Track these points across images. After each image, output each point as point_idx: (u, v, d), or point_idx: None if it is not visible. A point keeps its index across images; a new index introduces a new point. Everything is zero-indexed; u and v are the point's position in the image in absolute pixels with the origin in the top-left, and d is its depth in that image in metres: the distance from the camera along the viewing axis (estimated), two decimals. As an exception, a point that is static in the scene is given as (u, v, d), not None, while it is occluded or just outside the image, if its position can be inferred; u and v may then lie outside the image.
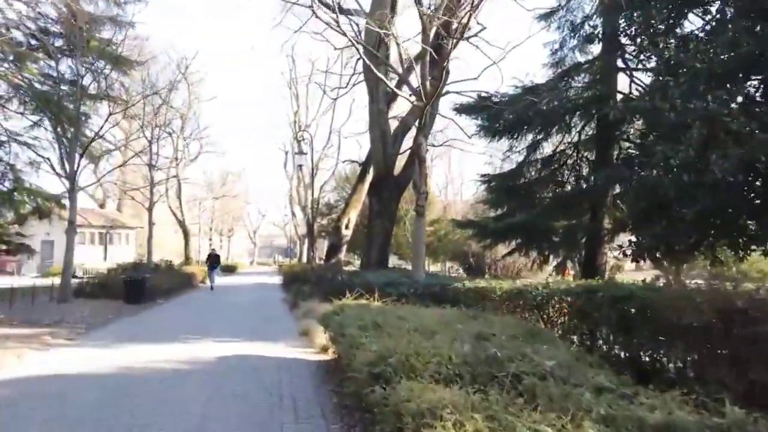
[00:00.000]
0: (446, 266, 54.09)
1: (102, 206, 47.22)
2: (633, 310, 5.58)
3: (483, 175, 22.52)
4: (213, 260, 25.58)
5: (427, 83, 11.06)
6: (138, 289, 17.06)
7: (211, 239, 51.90)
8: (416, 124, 11.95)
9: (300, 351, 9.04)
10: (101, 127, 17.16)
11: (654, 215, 11.98)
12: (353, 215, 28.92)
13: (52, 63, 19.21)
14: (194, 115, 36.65)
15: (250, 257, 76.98)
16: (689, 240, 11.63)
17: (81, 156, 16.35)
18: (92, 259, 38.91)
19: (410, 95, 12.34)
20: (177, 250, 59.95)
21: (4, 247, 23.41)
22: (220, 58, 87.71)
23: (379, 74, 11.80)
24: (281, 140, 72.63)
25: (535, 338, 5.36)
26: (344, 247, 29.27)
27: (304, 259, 47.10)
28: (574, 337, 7.04)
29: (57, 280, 22.56)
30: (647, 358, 5.76)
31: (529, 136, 20.66)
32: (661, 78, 12.56)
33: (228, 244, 64.24)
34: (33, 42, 21.26)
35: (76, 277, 31.61)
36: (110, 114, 17.11)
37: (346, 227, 28.73)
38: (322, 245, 46.56)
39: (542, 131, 20.24)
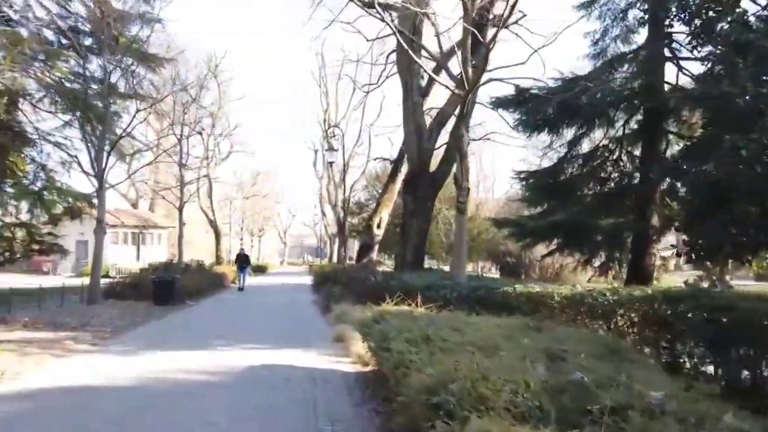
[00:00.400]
0: (479, 266, 52.98)
1: (135, 206, 47.52)
2: (731, 322, 4.68)
3: (519, 173, 21.56)
4: (242, 260, 24.49)
5: (469, 69, 10.20)
6: (167, 290, 16.61)
7: (242, 239, 51.79)
8: (456, 114, 11.10)
9: (335, 360, 8.31)
10: (129, 124, 16.79)
11: (712, 212, 10.96)
12: (385, 214, 28.23)
13: (82, 62, 18.99)
14: (224, 114, 36.34)
15: (280, 257, 77.00)
16: (758, 238, 10.59)
17: (108, 154, 15.96)
18: (125, 259, 39.04)
19: (450, 85, 11.48)
20: (209, 249, 60.10)
21: (36, 247, 23.27)
22: (246, 56, 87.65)
23: (417, 59, 10.99)
24: (310, 139, 72.36)
25: (617, 356, 4.50)
26: (376, 247, 28.61)
27: (335, 258, 46.61)
28: (647, 350, 6.15)
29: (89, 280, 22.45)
30: (747, 378, 4.86)
31: (570, 131, 19.81)
32: (718, 64, 11.52)
33: (259, 244, 64.20)
34: (64, 41, 21.12)
35: (109, 276, 31.69)
36: (137, 111, 16.72)
37: (378, 226, 28.04)
38: (353, 245, 46.03)
39: (584, 125, 19.33)
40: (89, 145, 15.89)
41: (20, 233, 23.39)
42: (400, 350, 4.88)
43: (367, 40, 15.97)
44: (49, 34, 21.64)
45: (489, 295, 9.06)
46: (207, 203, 38.10)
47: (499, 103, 19.12)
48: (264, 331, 11.29)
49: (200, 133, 35.06)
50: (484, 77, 10.90)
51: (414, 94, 14.88)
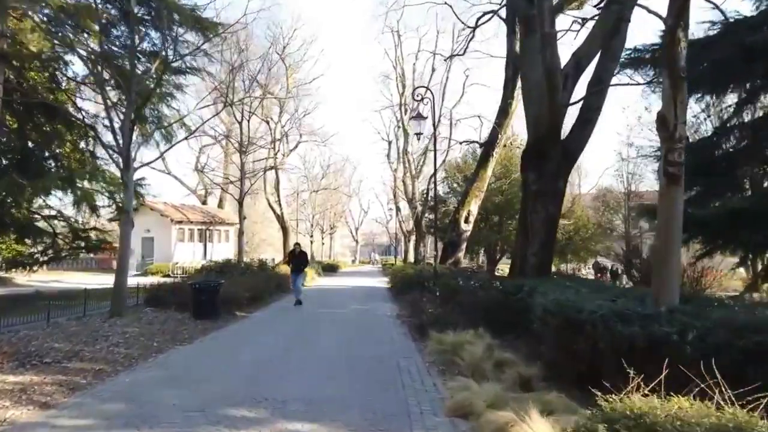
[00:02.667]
0: (568, 267, 46.79)
1: (204, 202, 44.91)
2: None
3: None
4: (298, 261, 16.29)
5: None
6: (209, 300, 12.54)
7: (311, 236, 48.13)
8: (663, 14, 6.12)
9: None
10: (156, 76, 12.63)
11: None
12: (474, 207, 23.43)
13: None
14: (292, 98, 32.55)
15: (352, 255, 73.32)
16: None
17: (134, 122, 12.02)
18: (192, 258, 36.18)
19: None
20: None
21: (81, 244, 20.09)
22: (313, 36, 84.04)
23: None
24: (383, 129, 67.57)
25: None
26: (464, 245, 23.89)
27: (410, 257, 42.04)
28: None
29: (152, 280, 18.94)
30: None
31: (734, 91, 14.78)
32: None
33: (330, 242, 60.56)
34: (114, 12, 17.71)
35: (169, 276, 28.60)
36: (160, 63, 12.59)
37: (466, 221, 23.28)
38: (425, 243, 41.24)
39: (755, 83, 14.19)
40: (110, 110, 12.00)
41: (63, 229, 20.45)
42: None
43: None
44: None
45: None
46: (274, 197, 34.45)
47: (634, 62, 14.18)
48: (326, 384, 6.74)
49: (267, 122, 31.51)
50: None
51: (544, 22, 9.91)
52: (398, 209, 44.15)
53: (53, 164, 19.76)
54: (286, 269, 24.92)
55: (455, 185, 37.41)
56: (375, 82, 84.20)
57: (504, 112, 22.72)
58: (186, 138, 14.65)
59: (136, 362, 7.84)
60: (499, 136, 22.80)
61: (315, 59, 43.13)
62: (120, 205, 20.12)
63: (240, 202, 25.44)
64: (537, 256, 10.86)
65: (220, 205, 45.41)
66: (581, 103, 11.33)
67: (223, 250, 39.85)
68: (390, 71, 36.40)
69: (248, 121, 24.41)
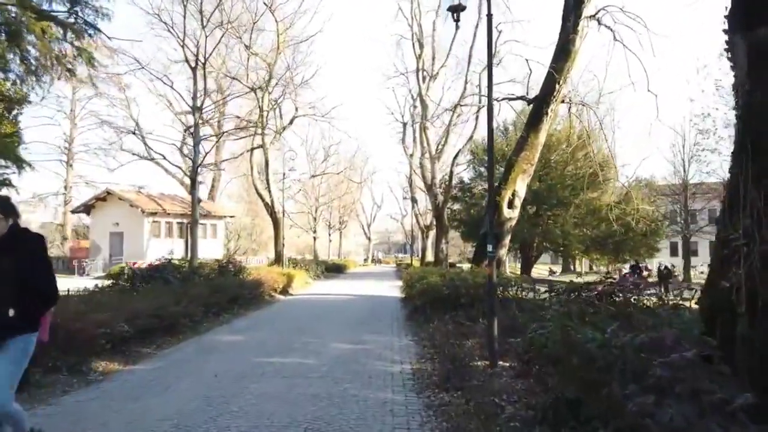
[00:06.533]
0: (581, 265, 39.72)
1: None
2: None
3: None
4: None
5: None
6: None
7: (315, 231, 41.08)
8: None
9: None
10: None
11: None
12: (521, 185, 16.28)
13: None
14: (282, 59, 25.71)
15: (365, 254, 66.38)
16: None
17: None
18: (171, 257, 29.51)
19: None
20: (295, 245, 50.07)
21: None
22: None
23: None
24: (397, 109, 58.60)
25: None
26: (508, 238, 16.87)
27: (429, 255, 35.00)
28: None
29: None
30: None
31: None
32: None
33: (340, 239, 53.64)
34: None
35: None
36: None
37: (510, 205, 16.15)
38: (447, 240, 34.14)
39: None
40: None
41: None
42: None
43: None
44: None
45: None
46: (263, 184, 27.59)
47: None
48: None
49: (254, 90, 24.78)
50: None
51: None
52: (414, 201, 37.15)
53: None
54: (266, 272, 18.21)
55: (482, 169, 30.44)
56: (387, 46, 76.22)
57: (564, 53, 15.71)
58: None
59: None
60: (557, 86, 15.71)
61: (313, 12, 35.96)
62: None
63: (192, 179, 18.70)
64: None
65: (211, 196, 38.74)
66: None
67: (211, 246, 33.12)
68: (405, 30, 29.68)
69: (203, 65, 17.73)
